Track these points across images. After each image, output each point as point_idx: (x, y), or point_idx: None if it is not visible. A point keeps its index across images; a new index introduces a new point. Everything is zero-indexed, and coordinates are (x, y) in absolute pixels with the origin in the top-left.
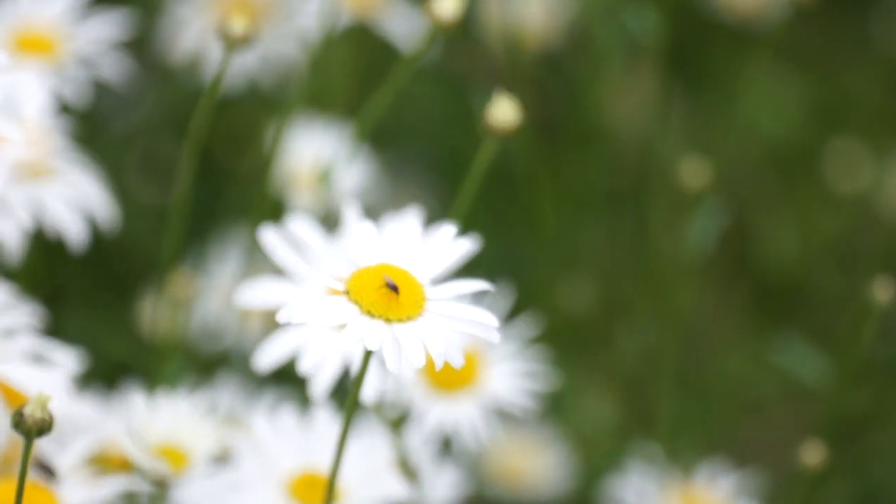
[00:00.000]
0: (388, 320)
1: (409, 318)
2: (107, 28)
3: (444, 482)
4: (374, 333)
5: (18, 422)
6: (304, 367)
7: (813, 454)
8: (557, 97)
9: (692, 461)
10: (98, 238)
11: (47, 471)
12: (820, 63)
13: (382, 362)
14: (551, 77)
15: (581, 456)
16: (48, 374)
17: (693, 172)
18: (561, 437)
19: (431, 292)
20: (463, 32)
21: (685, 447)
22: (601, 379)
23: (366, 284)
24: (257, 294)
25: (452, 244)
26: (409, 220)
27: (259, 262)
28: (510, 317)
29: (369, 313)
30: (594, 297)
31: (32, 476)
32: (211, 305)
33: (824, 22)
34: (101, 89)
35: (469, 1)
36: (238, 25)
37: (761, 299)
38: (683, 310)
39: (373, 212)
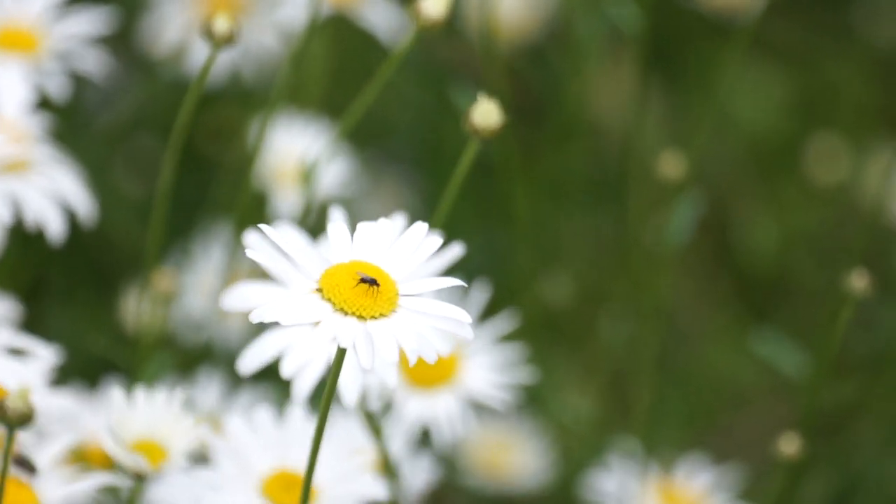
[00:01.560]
0: (361, 317)
1: (381, 315)
2: (88, 24)
3: (419, 472)
4: (347, 331)
5: (0, 414)
6: (287, 370)
7: (790, 444)
8: (538, 89)
9: (673, 454)
10: (80, 233)
11: (27, 467)
12: (801, 55)
13: (357, 360)
14: (532, 69)
15: (561, 449)
16: (26, 367)
17: (672, 164)
18: (541, 430)
19: (405, 289)
20: (446, 25)
21: (666, 440)
22: (582, 371)
23: (338, 282)
24: (241, 297)
25: (425, 241)
26: (386, 221)
27: (242, 257)
28: (489, 310)
29: (342, 311)
30: (574, 289)
31: (12, 472)
32: (194, 300)
33: (805, 14)
34: (84, 84)
35: None
36: (222, 24)
37: (742, 292)
38: (664, 302)
39: (353, 206)
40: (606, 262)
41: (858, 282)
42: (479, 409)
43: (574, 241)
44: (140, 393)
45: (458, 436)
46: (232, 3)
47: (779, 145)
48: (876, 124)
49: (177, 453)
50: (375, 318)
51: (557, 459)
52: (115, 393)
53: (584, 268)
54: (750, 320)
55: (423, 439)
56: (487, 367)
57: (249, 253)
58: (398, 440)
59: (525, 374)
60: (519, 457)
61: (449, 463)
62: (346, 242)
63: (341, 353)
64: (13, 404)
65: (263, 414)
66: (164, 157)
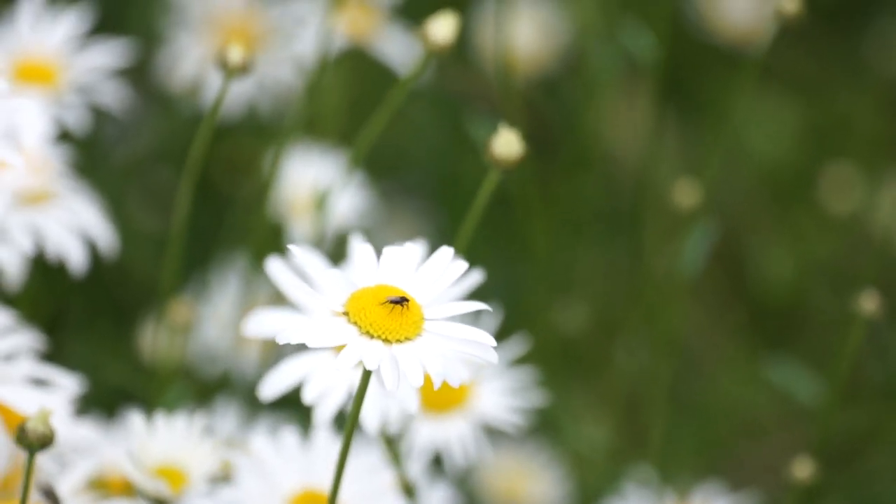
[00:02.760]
0: (386, 341)
1: (407, 339)
2: (106, 57)
3: (436, 499)
4: (373, 353)
5: (20, 437)
6: (309, 397)
7: (803, 468)
8: (553, 120)
9: (687, 482)
10: (99, 265)
11: (51, 497)
12: (814, 86)
13: (382, 383)
14: (547, 100)
15: (577, 477)
16: (48, 397)
17: (686, 194)
18: (557, 459)
19: (429, 313)
20: (458, 56)
21: (681, 468)
22: (597, 400)
23: (364, 305)
24: (263, 324)
25: (450, 266)
26: (410, 245)
27: (258, 288)
28: (501, 336)
29: (368, 334)
30: (589, 318)
31: (38, 500)
32: (211, 331)
33: (818, 45)
34: (101, 117)
35: (464, 24)
36: (236, 54)
37: (756, 321)
38: (678, 331)
39: (370, 237)
40: (620, 291)
41: (868, 304)
42: (496, 439)
43: (588, 271)
44: (160, 419)
45: (472, 461)
46: (247, 36)
47: (792, 175)
48: (888, 154)
49: (197, 478)
50: (401, 342)
51: (574, 488)
52: (135, 420)
53: (598, 297)
54: (764, 349)
55: (440, 465)
56: (500, 391)
57: (272, 276)
58: (414, 465)
59: (537, 398)
60: (536, 486)
61: (466, 491)
62: (372, 266)
63: (367, 376)
64: (34, 427)
65: (288, 435)
66: (180, 189)
